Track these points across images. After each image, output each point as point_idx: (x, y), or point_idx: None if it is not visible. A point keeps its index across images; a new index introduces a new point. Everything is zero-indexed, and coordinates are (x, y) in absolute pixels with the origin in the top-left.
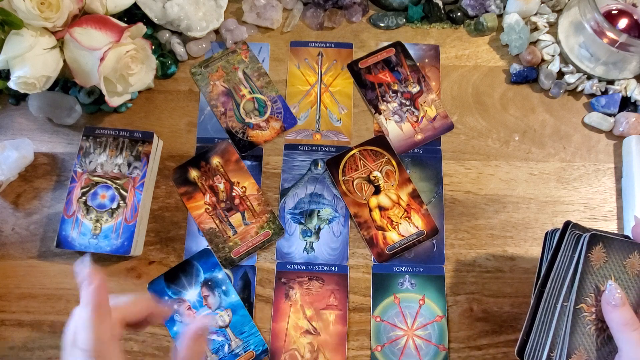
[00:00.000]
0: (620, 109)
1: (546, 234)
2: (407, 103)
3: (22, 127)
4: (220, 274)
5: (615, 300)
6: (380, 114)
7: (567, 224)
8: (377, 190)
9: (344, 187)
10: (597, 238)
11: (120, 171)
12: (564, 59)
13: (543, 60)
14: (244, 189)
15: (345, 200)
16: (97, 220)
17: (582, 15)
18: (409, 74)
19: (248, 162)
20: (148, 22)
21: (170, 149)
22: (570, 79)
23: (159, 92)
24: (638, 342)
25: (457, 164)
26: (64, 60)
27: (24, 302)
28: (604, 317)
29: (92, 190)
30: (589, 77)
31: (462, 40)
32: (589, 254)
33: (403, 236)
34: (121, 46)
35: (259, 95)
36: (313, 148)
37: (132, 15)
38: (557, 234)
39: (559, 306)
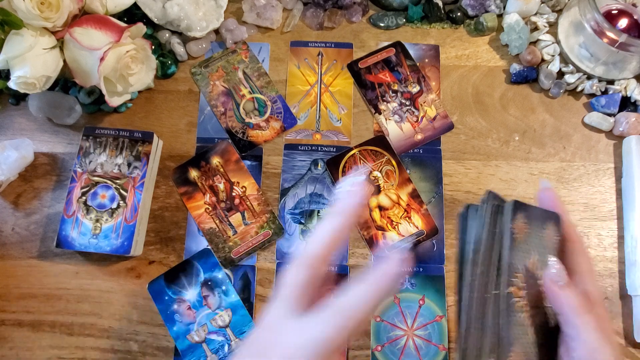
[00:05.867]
0: (620, 109)
1: (459, 215)
2: (407, 103)
3: (22, 127)
4: (220, 274)
5: (563, 279)
6: (380, 114)
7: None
8: (377, 190)
9: None
10: (520, 206)
11: (120, 171)
12: (564, 59)
13: (543, 60)
14: (244, 189)
15: None
16: (97, 220)
17: (582, 15)
18: (409, 74)
19: (248, 162)
20: (148, 22)
21: (170, 149)
22: (570, 79)
23: (159, 92)
24: (595, 326)
25: (457, 164)
26: (64, 60)
27: (24, 302)
28: (538, 301)
29: (92, 190)
30: (589, 77)
31: (462, 40)
32: (513, 226)
33: (403, 236)
34: (121, 46)
35: (259, 95)
36: (313, 148)
37: (132, 15)
38: (478, 209)
39: (489, 296)
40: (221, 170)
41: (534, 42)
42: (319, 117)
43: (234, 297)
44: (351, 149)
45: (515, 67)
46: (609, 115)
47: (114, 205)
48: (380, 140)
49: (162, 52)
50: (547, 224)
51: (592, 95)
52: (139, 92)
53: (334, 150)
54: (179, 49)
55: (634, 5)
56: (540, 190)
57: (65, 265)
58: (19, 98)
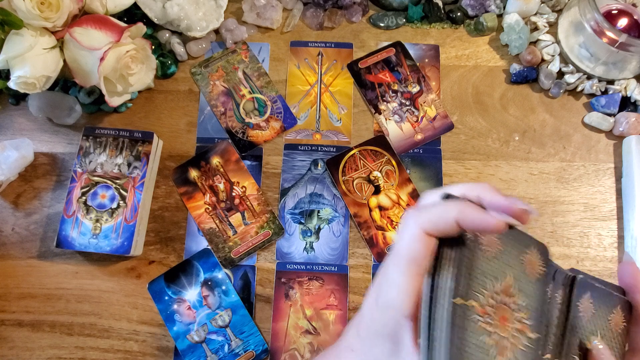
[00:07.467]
0: (620, 109)
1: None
2: (407, 103)
3: (22, 127)
4: (220, 274)
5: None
6: (380, 113)
7: None
8: (377, 190)
9: (344, 187)
10: (587, 285)
11: (120, 171)
12: (564, 59)
13: (543, 60)
14: (244, 188)
15: (345, 200)
16: (97, 220)
17: (582, 15)
18: (409, 74)
19: (248, 162)
20: (148, 22)
21: (170, 149)
22: (570, 78)
23: (159, 92)
24: None
25: (457, 164)
26: (64, 60)
27: (24, 302)
28: None
29: (92, 190)
30: (589, 77)
31: (462, 40)
32: (579, 303)
33: None
34: (121, 46)
35: (259, 95)
36: (313, 148)
37: (132, 15)
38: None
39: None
40: (221, 170)
41: (534, 42)
42: (319, 117)
43: (234, 297)
44: (351, 149)
45: (515, 67)
46: (609, 115)
47: (114, 205)
48: (380, 140)
49: (162, 52)
50: (615, 308)
51: (592, 95)
52: (139, 92)
53: (334, 150)
54: (179, 49)
55: (634, 5)
56: (621, 264)
57: (65, 265)
58: (19, 98)
